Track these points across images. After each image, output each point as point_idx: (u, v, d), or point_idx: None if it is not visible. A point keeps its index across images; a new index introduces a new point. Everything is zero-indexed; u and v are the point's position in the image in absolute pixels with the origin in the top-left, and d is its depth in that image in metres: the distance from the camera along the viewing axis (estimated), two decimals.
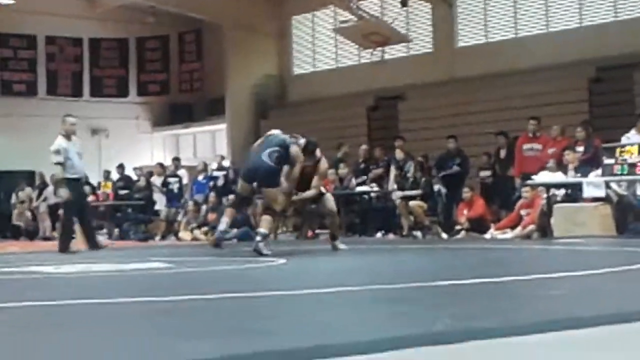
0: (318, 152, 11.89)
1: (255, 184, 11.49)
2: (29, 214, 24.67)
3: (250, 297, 5.58)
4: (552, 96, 19.40)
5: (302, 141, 11.72)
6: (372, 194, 18.53)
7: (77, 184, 13.74)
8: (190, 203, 20.62)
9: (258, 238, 10.94)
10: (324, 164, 11.93)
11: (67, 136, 13.71)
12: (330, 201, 12.13)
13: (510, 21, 21.86)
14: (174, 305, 5.26)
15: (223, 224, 11.75)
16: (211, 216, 19.47)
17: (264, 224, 11.10)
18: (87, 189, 13.97)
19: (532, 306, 4.81)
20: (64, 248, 13.60)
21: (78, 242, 14.17)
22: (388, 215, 17.98)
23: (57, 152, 13.48)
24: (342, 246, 12.00)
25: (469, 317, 4.20)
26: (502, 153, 17.43)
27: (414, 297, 5.41)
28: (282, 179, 11.49)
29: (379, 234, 17.53)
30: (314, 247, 13.82)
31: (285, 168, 11.46)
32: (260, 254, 10.63)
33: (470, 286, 6.02)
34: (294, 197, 12.10)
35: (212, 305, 5.25)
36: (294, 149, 11.44)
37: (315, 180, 11.75)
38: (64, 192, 13.50)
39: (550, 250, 11.27)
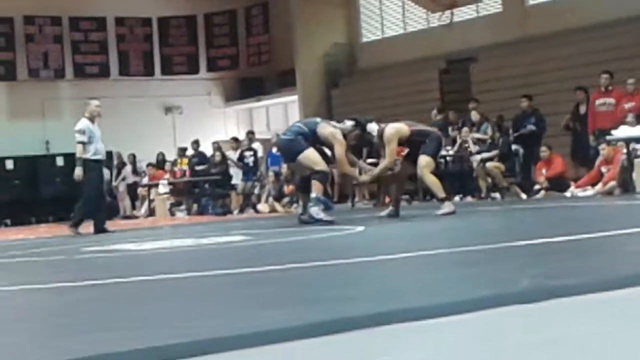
0: (375, 126, 11.44)
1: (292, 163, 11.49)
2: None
3: (328, 265, 5.59)
4: (628, 50, 18.99)
5: (349, 124, 11.49)
6: (448, 158, 18.37)
7: (97, 165, 13.86)
8: (271, 174, 20.65)
9: (310, 204, 10.93)
10: (388, 130, 11.33)
11: (91, 119, 13.93)
12: (421, 160, 11.32)
13: None
14: (255, 276, 5.29)
15: (300, 208, 11.73)
16: (288, 188, 19.54)
17: (314, 187, 10.96)
18: (106, 172, 14.03)
19: (621, 261, 4.73)
20: (75, 225, 13.83)
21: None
22: (465, 178, 17.84)
23: (82, 131, 13.70)
24: (443, 210, 11.20)
25: (553, 276, 4.14)
26: (582, 109, 17.06)
27: (494, 259, 5.35)
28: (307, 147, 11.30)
29: (456, 198, 17.40)
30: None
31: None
32: (316, 220, 10.65)
33: (553, 245, 5.93)
34: (364, 178, 12.08)
35: (292, 274, 5.27)
36: (323, 130, 11.19)
37: (387, 151, 11.35)
38: (78, 172, 13.62)
39: (633, 206, 11.08)
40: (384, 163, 11.49)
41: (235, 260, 7.09)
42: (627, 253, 5.16)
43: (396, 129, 11.34)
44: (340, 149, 11.12)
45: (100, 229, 13.96)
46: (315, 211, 10.84)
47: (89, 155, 13.67)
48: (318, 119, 11.76)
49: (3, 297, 5.28)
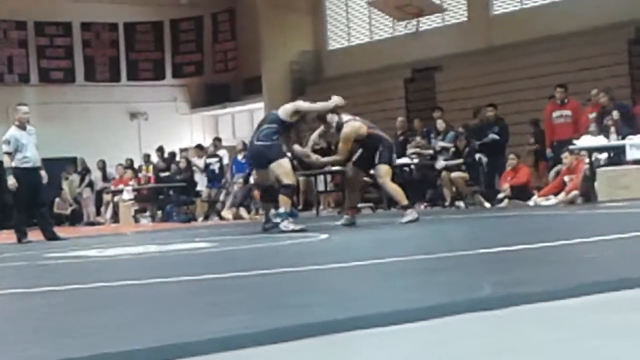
0: (336, 118, 11.28)
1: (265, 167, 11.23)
2: (71, 200, 24.89)
3: (289, 273, 5.58)
4: (591, 60, 19.16)
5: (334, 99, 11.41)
6: (412, 166, 18.44)
7: (28, 173, 13.68)
8: (240, 180, 20.59)
9: (277, 220, 10.88)
10: (346, 128, 11.22)
11: (21, 126, 13.81)
12: (380, 169, 11.36)
13: None
14: (215, 283, 5.28)
15: (264, 217, 11.67)
16: (257, 194, 19.46)
17: (281, 202, 10.92)
18: (44, 175, 13.91)
19: (578, 269, 4.75)
20: (19, 238, 13.70)
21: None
22: (429, 187, 17.91)
23: (7, 142, 13.65)
24: (407, 218, 11.13)
25: (512, 284, 4.16)
26: None
27: (455, 266, 5.37)
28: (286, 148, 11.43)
29: (421, 207, 17.45)
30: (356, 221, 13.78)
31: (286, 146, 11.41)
32: (290, 231, 10.56)
33: (514, 253, 5.96)
34: (313, 158, 12.04)
35: (251, 282, 5.26)
36: (281, 110, 11.15)
37: (339, 147, 11.34)
38: (11, 181, 13.56)
39: (595, 215, 11.16)
40: (333, 157, 11.59)
41: (196, 267, 7.06)
42: (586, 261, 5.19)
43: (355, 128, 11.26)
44: (305, 105, 11.27)
45: (50, 237, 13.84)
46: (285, 225, 10.78)
47: (16, 164, 13.60)
48: (277, 111, 11.45)
49: None
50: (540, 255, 5.71)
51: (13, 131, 13.78)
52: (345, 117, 11.41)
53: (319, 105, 11.39)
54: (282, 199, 10.94)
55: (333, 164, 11.81)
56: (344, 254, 7.37)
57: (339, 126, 11.27)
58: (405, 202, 11.49)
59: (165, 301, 4.59)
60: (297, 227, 10.78)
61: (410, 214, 11.21)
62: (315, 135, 11.96)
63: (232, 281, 5.33)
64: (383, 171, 11.32)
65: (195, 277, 5.70)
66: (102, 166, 25.00)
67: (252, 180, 19.72)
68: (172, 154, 23.97)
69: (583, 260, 5.23)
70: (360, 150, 11.49)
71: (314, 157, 12.24)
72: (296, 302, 4.01)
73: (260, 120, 11.95)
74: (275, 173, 11.01)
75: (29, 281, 6.62)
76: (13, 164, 13.62)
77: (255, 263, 6.88)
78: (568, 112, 16.38)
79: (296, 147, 12.02)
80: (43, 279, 6.78)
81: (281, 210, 10.92)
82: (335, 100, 11.33)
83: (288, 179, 10.96)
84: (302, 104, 11.38)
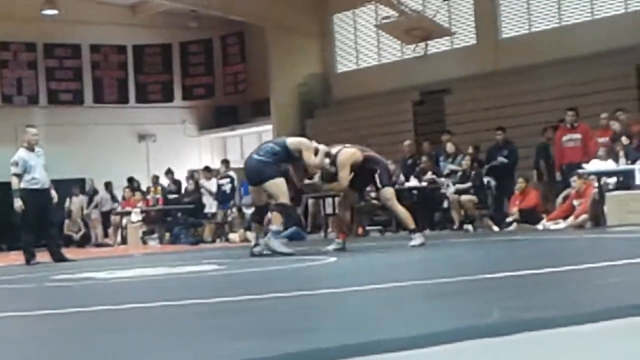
0: (327, 160, 11.02)
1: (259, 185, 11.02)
2: (80, 222, 24.89)
3: (298, 296, 5.57)
4: (599, 84, 19.18)
5: (319, 159, 11.04)
6: (417, 190, 18.37)
7: (36, 194, 13.70)
8: (245, 202, 20.61)
9: (268, 236, 10.77)
10: (342, 155, 11.01)
11: (30, 147, 13.85)
12: (385, 192, 11.24)
13: (554, 9, 21.63)
14: (225, 306, 5.26)
15: (253, 240, 11.47)
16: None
17: (273, 220, 10.80)
18: (54, 195, 13.95)
19: (589, 295, 4.73)
20: (28, 260, 13.67)
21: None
22: (438, 210, 17.89)
23: (15, 163, 13.69)
24: (415, 242, 11.01)
25: (522, 309, 4.14)
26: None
27: (465, 291, 5.35)
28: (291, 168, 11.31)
29: (427, 230, 17.41)
30: (364, 244, 13.79)
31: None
32: (276, 253, 10.47)
33: (523, 278, 5.94)
34: (307, 182, 11.59)
35: (263, 305, 5.24)
36: (293, 139, 11.13)
37: (339, 175, 11.01)
38: (17, 203, 13.60)
39: (604, 239, 11.12)
40: (334, 185, 11.20)
41: (206, 289, 7.05)
42: (596, 287, 5.17)
43: (350, 153, 11.10)
44: (307, 154, 10.86)
45: (58, 258, 13.86)
46: (277, 244, 10.70)
47: (24, 185, 13.63)
48: (285, 137, 11.52)
49: None
50: (549, 281, 5.69)
51: (21, 153, 13.83)
52: (335, 148, 11.20)
53: (317, 160, 10.96)
54: (275, 216, 10.81)
55: (331, 190, 11.67)
56: (353, 277, 7.35)
57: (333, 160, 11.05)
58: (412, 226, 11.35)
59: (176, 325, 4.58)
60: (287, 251, 10.68)
61: (418, 238, 11.12)
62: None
63: (242, 304, 5.32)
64: (389, 194, 11.25)
65: (205, 300, 5.68)
66: (109, 187, 25.01)
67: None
68: (179, 181, 23.90)
69: (593, 287, 5.21)
70: (352, 174, 11.12)
71: (319, 183, 11.74)
72: (307, 326, 4.01)
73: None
74: (270, 191, 10.88)
75: (37, 304, 6.60)
76: (22, 185, 13.65)
77: (265, 286, 6.87)
78: (578, 136, 16.37)
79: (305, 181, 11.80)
80: (50, 302, 6.76)
81: (273, 227, 10.80)
82: (321, 153, 11.07)
83: (283, 197, 10.82)
84: (305, 149, 10.90)
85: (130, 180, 24.40)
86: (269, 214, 11.25)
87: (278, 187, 10.80)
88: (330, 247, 11.27)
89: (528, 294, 4.96)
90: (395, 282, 6.13)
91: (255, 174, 10.98)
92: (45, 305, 6.30)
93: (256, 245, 11.13)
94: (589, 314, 3.79)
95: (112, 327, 4.67)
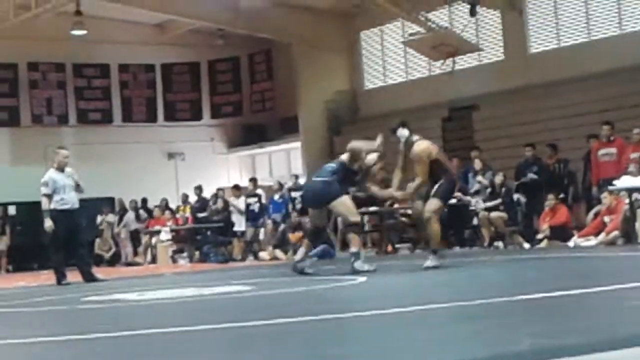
0: (406, 132, 10.87)
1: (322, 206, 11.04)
2: (111, 240, 24.99)
3: (329, 320, 5.57)
4: (630, 98, 19.06)
5: (379, 140, 11.08)
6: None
7: (65, 215, 13.79)
8: (269, 222, 20.68)
9: (352, 259, 10.73)
10: (418, 147, 10.68)
11: (60, 168, 13.96)
12: (431, 203, 10.63)
13: (582, 24, 21.56)
14: (255, 330, 5.27)
15: (299, 254, 11.43)
16: (293, 236, 19.44)
17: (352, 242, 10.85)
18: (82, 220, 14.09)
19: (622, 319, 4.69)
20: (59, 280, 13.74)
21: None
22: (468, 227, 17.82)
23: (45, 184, 13.82)
24: (429, 263, 10.56)
25: (553, 335, 4.11)
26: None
27: (495, 314, 5.33)
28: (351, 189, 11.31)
29: (458, 247, 17.36)
30: (393, 262, 13.75)
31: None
32: (362, 272, 10.43)
33: (553, 300, 5.90)
34: (398, 194, 11.27)
35: (292, 329, 5.25)
36: (345, 154, 11.06)
37: (417, 169, 10.70)
38: (48, 223, 13.69)
39: (636, 257, 11.04)
40: (416, 182, 10.73)
41: (234, 312, 7.07)
42: (629, 310, 5.12)
43: (425, 146, 10.73)
44: (358, 146, 10.89)
45: (88, 279, 13.95)
46: (359, 265, 10.65)
47: (53, 206, 13.74)
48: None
49: (6, 351, 5.25)
50: (579, 303, 5.66)
51: (51, 173, 13.95)
52: (415, 136, 10.98)
53: (367, 144, 11.05)
54: (353, 237, 10.88)
55: (418, 188, 11.10)
56: (382, 300, 7.30)
57: (409, 144, 10.83)
58: (435, 247, 10.79)
59: (204, 351, 4.59)
60: (372, 268, 10.67)
61: (434, 260, 10.57)
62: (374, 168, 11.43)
63: (271, 328, 5.32)
64: (432, 206, 10.57)
65: (233, 324, 5.69)
66: (135, 206, 25.12)
67: (289, 220, 19.76)
68: (206, 199, 23.96)
69: (623, 310, 5.16)
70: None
71: (397, 193, 11.38)
72: (337, 353, 4.00)
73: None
74: (337, 211, 10.98)
75: (66, 328, 6.63)
76: (51, 206, 13.75)
77: (293, 308, 6.86)
78: (614, 150, 16.23)
79: (374, 188, 11.71)
80: (80, 326, 6.78)
81: (354, 249, 10.80)
82: (379, 140, 11.05)
83: (353, 216, 10.92)
84: (356, 147, 11.00)
85: (162, 202, 24.55)
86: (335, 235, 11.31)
87: (344, 205, 10.88)
88: (432, 263, 10.55)
89: (557, 318, 4.93)
90: (423, 304, 6.12)
91: (320, 195, 10.97)
92: (74, 329, 6.33)
93: (301, 260, 11.15)
94: (620, 339, 3.76)
95: (142, 352, 4.67)
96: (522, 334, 4.05)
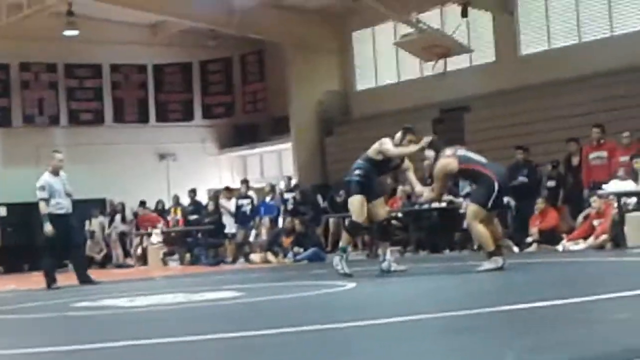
0: (432, 154, 11.10)
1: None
2: (102, 242, 24.97)
3: (319, 330, 5.59)
4: (621, 101, 19.11)
5: (413, 148, 11.26)
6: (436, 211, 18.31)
7: (61, 219, 13.84)
8: (265, 221, 20.66)
9: (337, 252, 11.32)
10: (438, 165, 10.78)
11: (55, 172, 13.96)
12: (469, 209, 10.72)
13: (573, 25, 21.59)
14: (245, 342, 5.29)
15: (381, 256, 11.52)
16: (286, 240, 19.41)
17: (343, 238, 11.42)
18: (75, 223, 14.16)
19: (608, 332, 4.69)
20: (49, 284, 13.77)
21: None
22: (458, 230, 17.81)
23: (42, 188, 13.84)
24: (486, 266, 10.29)
25: (538, 349, 4.13)
26: (575, 160, 17.03)
27: (481, 326, 5.36)
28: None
29: (447, 251, 17.38)
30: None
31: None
32: (342, 273, 10.78)
33: (540, 310, 5.91)
34: (427, 195, 11.55)
35: (282, 340, 5.27)
36: (372, 147, 11.20)
37: (435, 186, 11.11)
38: (48, 228, 13.68)
39: (624, 263, 11.07)
40: (429, 195, 11.35)
41: (224, 321, 7.07)
42: (615, 322, 5.13)
43: (444, 165, 10.68)
44: (386, 143, 11.13)
45: (83, 280, 14.01)
46: (335, 261, 11.05)
47: (51, 210, 13.78)
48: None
49: None
50: (565, 314, 5.67)
51: (47, 177, 13.93)
52: (447, 151, 10.86)
53: (399, 150, 11.25)
54: (344, 235, 11.46)
55: (430, 201, 11.49)
56: (369, 309, 7.29)
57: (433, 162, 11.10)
58: (490, 248, 10.36)
59: None
60: (347, 272, 10.85)
61: (494, 262, 10.26)
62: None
63: (259, 340, 5.33)
64: (470, 212, 10.52)
65: (223, 334, 5.69)
66: (122, 209, 25.12)
67: (279, 223, 19.77)
68: (200, 203, 23.96)
69: (609, 322, 5.18)
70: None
71: (428, 194, 11.62)
72: None
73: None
74: (350, 207, 11.20)
75: (55, 338, 6.62)
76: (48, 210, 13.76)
77: (283, 318, 6.88)
78: (604, 154, 16.23)
79: (412, 177, 11.80)
80: (69, 336, 6.76)
81: (341, 244, 11.31)
82: (418, 145, 11.19)
83: (356, 216, 11.12)
84: (386, 147, 11.15)
85: (158, 204, 24.60)
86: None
87: (354, 205, 11.08)
88: (486, 267, 10.33)
89: (543, 330, 4.94)
90: (408, 315, 6.12)
91: (346, 192, 11.57)
92: (60, 340, 6.32)
93: (383, 260, 11.33)
94: (605, 355, 3.78)
95: None
96: (507, 347, 4.07)
